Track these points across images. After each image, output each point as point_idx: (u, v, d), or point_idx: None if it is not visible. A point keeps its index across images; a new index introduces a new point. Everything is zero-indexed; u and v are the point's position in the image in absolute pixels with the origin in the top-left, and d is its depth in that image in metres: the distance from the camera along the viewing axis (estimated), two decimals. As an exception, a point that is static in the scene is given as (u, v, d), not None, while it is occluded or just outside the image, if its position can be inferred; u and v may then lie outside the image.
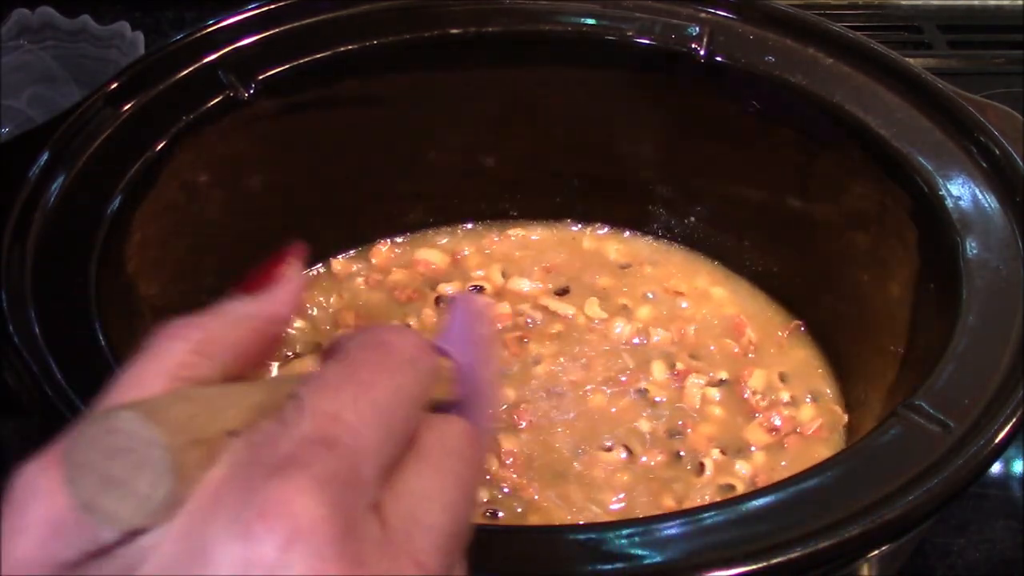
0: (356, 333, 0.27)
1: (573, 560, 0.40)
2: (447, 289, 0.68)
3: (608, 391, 0.63)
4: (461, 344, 0.33)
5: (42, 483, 0.24)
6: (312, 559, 0.21)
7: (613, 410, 0.62)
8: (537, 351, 0.65)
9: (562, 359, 0.65)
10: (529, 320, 0.67)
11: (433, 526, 0.24)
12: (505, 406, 0.62)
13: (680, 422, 0.62)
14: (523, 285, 0.69)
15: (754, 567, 0.39)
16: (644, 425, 0.61)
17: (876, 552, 0.43)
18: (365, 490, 0.23)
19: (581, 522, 0.56)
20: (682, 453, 0.60)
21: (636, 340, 0.66)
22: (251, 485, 0.22)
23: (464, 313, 0.34)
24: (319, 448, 0.23)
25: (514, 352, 0.65)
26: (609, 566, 0.40)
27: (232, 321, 0.27)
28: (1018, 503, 0.65)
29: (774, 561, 0.39)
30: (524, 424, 0.61)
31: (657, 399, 0.63)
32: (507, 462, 0.58)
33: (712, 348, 0.66)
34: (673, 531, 0.41)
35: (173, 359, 0.26)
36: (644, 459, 0.60)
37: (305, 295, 0.68)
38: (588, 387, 0.63)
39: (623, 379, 0.64)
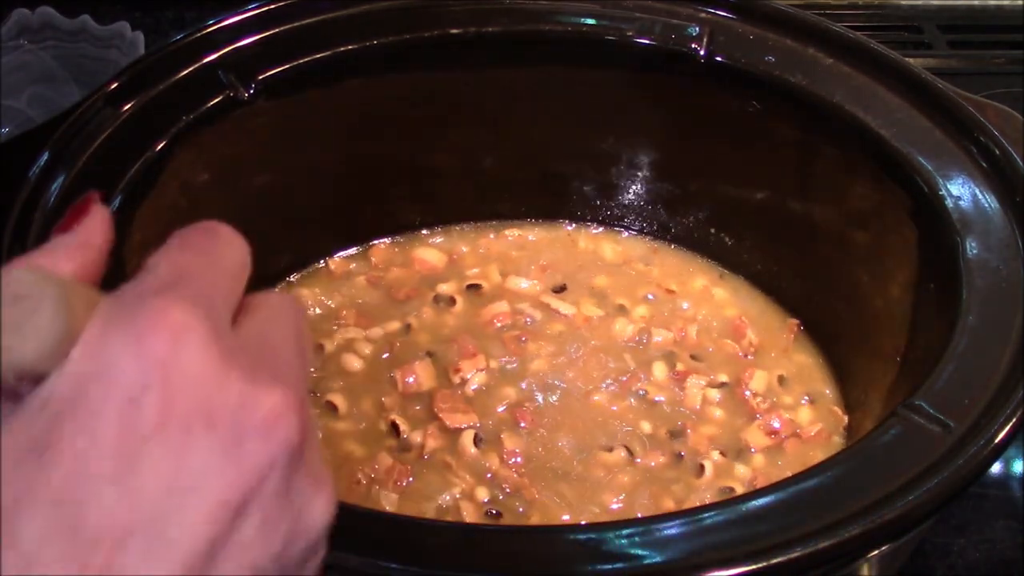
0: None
1: (573, 560, 0.40)
2: (443, 288, 0.69)
3: (609, 391, 0.63)
4: None
5: None
6: (196, 349, 0.26)
7: (614, 408, 0.62)
8: (537, 350, 0.65)
9: (562, 358, 0.65)
10: (528, 319, 0.67)
11: (282, 346, 0.29)
12: (505, 405, 0.62)
13: (680, 423, 0.62)
14: (521, 284, 0.69)
15: (754, 567, 0.39)
16: (645, 426, 0.61)
17: (876, 552, 0.43)
18: (220, 313, 0.28)
19: (583, 522, 0.56)
20: (683, 454, 0.60)
21: (637, 340, 0.66)
22: (133, 311, 0.26)
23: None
24: (178, 280, 0.27)
25: (513, 351, 0.65)
26: (609, 566, 0.40)
27: (59, 253, 0.30)
28: (1018, 503, 0.65)
29: (774, 561, 0.40)
30: (524, 424, 0.61)
31: (658, 399, 0.63)
32: (509, 461, 0.58)
33: (711, 349, 0.66)
34: (673, 531, 0.41)
35: None
36: (645, 460, 0.60)
37: (306, 293, 0.68)
38: (589, 387, 0.63)
39: (624, 379, 0.64)
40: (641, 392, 0.63)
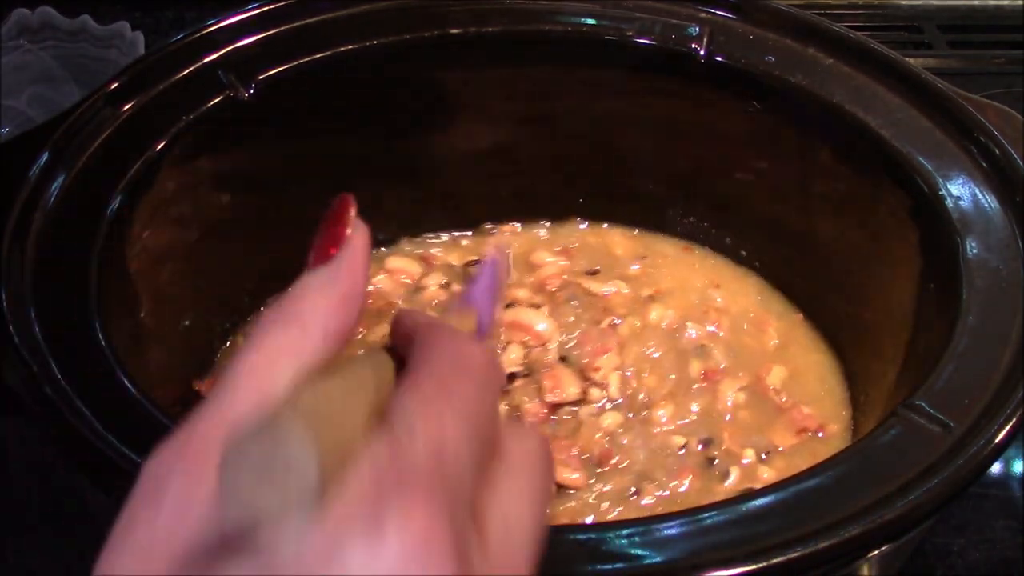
0: (429, 333, 0.29)
1: (573, 560, 0.40)
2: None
3: (666, 403, 0.62)
4: (483, 299, 0.35)
5: (177, 471, 0.25)
6: (430, 562, 0.24)
7: (672, 423, 0.61)
8: (629, 335, 0.64)
9: (637, 360, 0.63)
10: (576, 303, 0.66)
11: (523, 536, 0.28)
12: (601, 436, 0.60)
13: (715, 425, 0.61)
14: (545, 258, 0.69)
15: (754, 567, 0.39)
16: (679, 440, 0.61)
17: (876, 552, 0.43)
18: (467, 499, 0.26)
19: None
20: (716, 458, 0.60)
21: (672, 334, 0.66)
22: (379, 499, 0.24)
23: (492, 271, 0.37)
24: (430, 466, 0.26)
25: (612, 340, 0.64)
26: (609, 566, 0.40)
27: (322, 300, 0.29)
28: (1018, 503, 0.65)
29: (774, 561, 0.39)
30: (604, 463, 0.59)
31: (696, 401, 0.62)
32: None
33: (735, 344, 0.66)
34: (673, 531, 0.41)
35: (290, 347, 0.28)
36: (680, 480, 0.59)
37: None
38: (650, 399, 0.62)
39: (675, 380, 0.63)
40: (684, 395, 0.62)
